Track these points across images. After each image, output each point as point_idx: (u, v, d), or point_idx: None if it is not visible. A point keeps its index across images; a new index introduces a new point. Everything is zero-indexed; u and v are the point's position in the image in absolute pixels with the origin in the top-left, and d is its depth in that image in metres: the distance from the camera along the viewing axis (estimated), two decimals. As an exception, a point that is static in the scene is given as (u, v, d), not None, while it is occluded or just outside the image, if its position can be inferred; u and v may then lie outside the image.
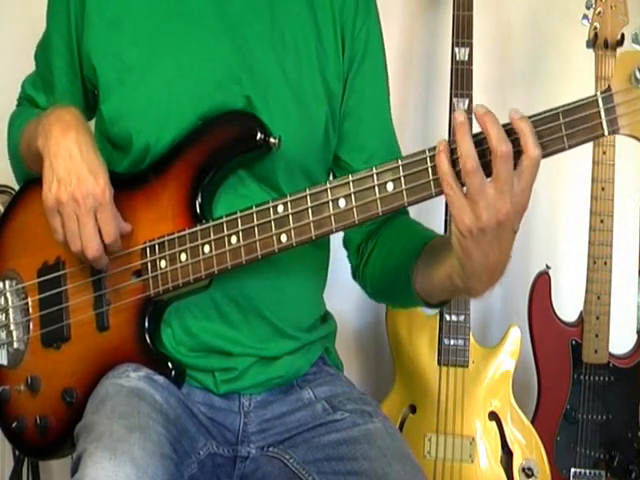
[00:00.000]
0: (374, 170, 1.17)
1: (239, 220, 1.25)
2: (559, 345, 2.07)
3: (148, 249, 1.31)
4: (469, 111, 1.92)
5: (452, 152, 1.11)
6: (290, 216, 1.22)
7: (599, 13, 1.99)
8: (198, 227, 1.28)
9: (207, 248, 1.27)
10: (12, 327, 1.42)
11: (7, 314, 1.42)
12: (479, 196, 1.07)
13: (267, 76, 1.36)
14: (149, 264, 1.31)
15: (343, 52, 1.41)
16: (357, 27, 1.41)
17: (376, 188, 1.16)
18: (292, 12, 1.39)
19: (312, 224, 1.21)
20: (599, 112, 1.06)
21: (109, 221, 1.27)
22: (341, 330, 1.56)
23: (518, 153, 1.07)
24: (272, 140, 1.29)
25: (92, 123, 1.45)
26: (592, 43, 2.01)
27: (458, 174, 1.10)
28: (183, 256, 1.28)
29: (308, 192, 1.21)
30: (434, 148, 1.12)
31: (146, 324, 1.32)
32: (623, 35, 1.99)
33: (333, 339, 1.52)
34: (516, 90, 2.26)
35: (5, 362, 1.42)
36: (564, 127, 1.07)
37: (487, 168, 1.08)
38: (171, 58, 1.35)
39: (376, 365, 2.33)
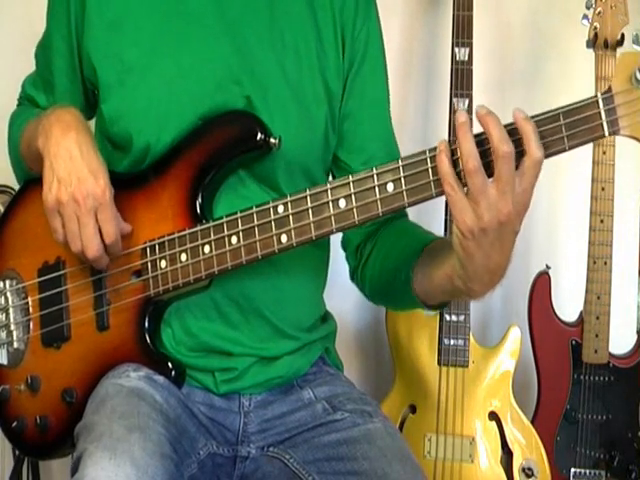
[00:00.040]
0: (374, 171, 1.17)
1: (239, 220, 1.25)
2: (559, 345, 2.07)
3: (148, 249, 1.31)
4: (469, 111, 1.92)
5: (453, 152, 1.11)
6: (290, 216, 1.22)
7: (599, 13, 1.99)
8: (198, 227, 1.28)
9: (207, 248, 1.27)
10: (12, 327, 1.42)
11: (7, 314, 1.43)
12: (481, 196, 1.07)
13: (267, 76, 1.36)
14: (149, 264, 1.31)
15: (343, 52, 1.41)
16: (357, 28, 1.41)
17: (376, 189, 1.16)
18: (292, 12, 1.39)
19: (312, 224, 1.21)
20: (600, 113, 1.06)
21: (109, 221, 1.27)
22: (341, 330, 1.56)
23: (520, 153, 1.07)
24: (272, 140, 1.29)
25: (92, 123, 1.45)
26: (592, 43, 2.01)
27: (459, 175, 1.10)
28: (183, 256, 1.29)
29: (308, 192, 1.21)
30: (434, 149, 1.12)
31: (146, 324, 1.32)
32: (623, 35, 1.99)
33: (333, 339, 1.52)
34: (516, 90, 2.26)
35: (5, 362, 1.42)
36: (564, 128, 1.07)
37: (488, 168, 1.08)
38: (171, 58, 1.35)
39: (376, 365, 2.33)
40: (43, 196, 1.28)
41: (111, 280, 1.34)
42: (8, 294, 1.43)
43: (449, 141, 1.11)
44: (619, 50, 1.99)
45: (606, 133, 1.06)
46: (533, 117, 1.08)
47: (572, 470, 2.06)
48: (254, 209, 1.25)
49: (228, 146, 1.32)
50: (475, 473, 2.01)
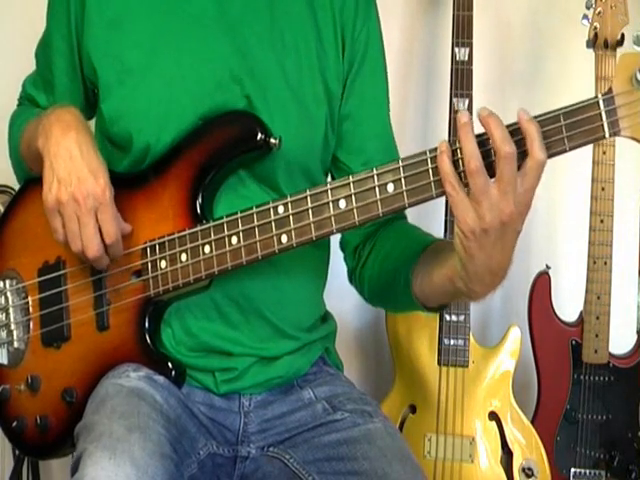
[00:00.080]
0: (374, 171, 1.16)
1: (239, 220, 1.25)
2: (559, 345, 2.07)
3: (148, 249, 1.31)
4: (469, 111, 1.92)
5: (453, 153, 1.11)
6: (290, 217, 1.22)
7: (599, 13, 1.99)
8: (198, 227, 1.28)
9: (207, 248, 1.27)
10: (12, 326, 1.42)
11: (7, 313, 1.43)
12: (482, 196, 1.07)
13: (267, 76, 1.36)
14: (149, 264, 1.31)
15: (343, 53, 1.41)
16: (357, 28, 1.41)
17: (376, 189, 1.16)
18: (292, 12, 1.39)
19: (312, 225, 1.21)
20: (600, 114, 1.06)
21: (109, 221, 1.27)
22: (341, 330, 1.56)
23: (522, 154, 1.07)
24: (272, 140, 1.29)
25: (92, 122, 1.45)
26: (592, 43, 2.01)
27: (460, 175, 1.10)
28: (183, 256, 1.28)
29: (308, 193, 1.21)
30: (435, 149, 1.12)
31: (146, 324, 1.32)
32: (623, 35, 1.99)
33: (333, 339, 1.52)
34: (516, 90, 2.26)
35: (5, 361, 1.42)
36: (565, 129, 1.07)
37: (490, 169, 1.08)
38: (171, 58, 1.35)
39: (376, 365, 2.33)
40: (43, 196, 1.28)
41: (111, 280, 1.34)
42: (8, 294, 1.43)
43: (449, 141, 1.11)
44: (619, 50, 1.99)
45: (607, 134, 1.06)
46: (533, 118, 1.08)
47: (572, 470, 2.06)
48: (254, 209, 1.25)
49: (228, 146, 1.32)
50: (475, 473, 2.01)
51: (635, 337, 2.11)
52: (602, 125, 1.06)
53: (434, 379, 2.03)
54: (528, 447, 2.01)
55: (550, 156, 1.08)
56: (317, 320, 1.47)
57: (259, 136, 1.29)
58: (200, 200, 1.31)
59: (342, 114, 1.42)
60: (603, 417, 2.06)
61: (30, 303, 1.41)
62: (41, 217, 1.31)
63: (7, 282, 1.43)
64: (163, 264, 1.30)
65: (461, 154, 1.09)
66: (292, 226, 1.22)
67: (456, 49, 2.02)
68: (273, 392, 1.40)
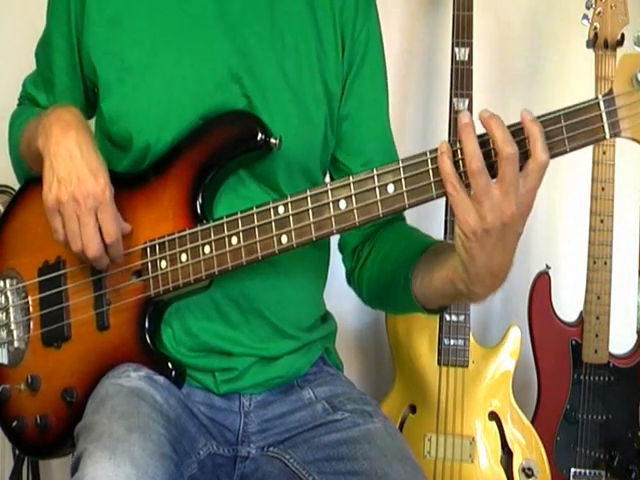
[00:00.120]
0: (375, 172, 1.16)
1: (240, 221, 1.25)
2: (559, 345, 2.07)
3: (148, 249, 1.31)
4: (469, 111, 1.92)
5: (454, 154, 1.11)
6: (291, 217, 1.22)
7: (599, 13, 1.99)
8: (199, 227, 1.28)
9: (207, 249, 1.27)
10: (12, 326, 1.42)
11: (7, 313, 1.43)
12: (484, 197, 1.07)
13: (267, 76, 1.35)
14: (149, 264, 1.31)
15: (343, 53, 1.41)
16: (357, 29, 1.41)
17: (377, 190, 1.16)
18: (292, 12, 1.39)
19: (312, 225, 1.21)
20: (601, 115, 1.06)
21: (110, 220, 1.26)
22: (341, 330, 1.56)
23: (524, 154, 1.07)
24: (273, 140, 1.29)
25: (92, 122, 1.45)
26: (592, 43, 2.01)
27: (461, 176, 1.10)
28: (184, 256, 1.28)
29: (309, 193, 1.21)
30: (435, 150, 1.12)
31: (146, 324, 1.32)
32: (623, 35, 1.99)
33: (333, 339, 1.52)
34: (516, 90, 2.26)
35: (5, 361, 1.42)
36: (565, 130, 1.07)
37: (491, 169, 1.08)
38: (171, 58, 1.35)
39: (376, 365, 2.33)
40: (43, 196, 1.28)
41: (111, 280, 1.34)
42: (8, 293, 1.43)
43: (449, 141, 1.11)
44: (619, 50, 1.99)
45: (607, 135, 1.06)
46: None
47: (572, 470, 2.06)
48: (254, 210, 1.24)
49: (229, 146, 1.32)
50: (475, 473, 2.01)
51: (635, 337, 2.11)
52: (603, 126, 1.06)
53: (434, 379, 2.03)
54: (528, 447, 2.01)
55: (551, 157, 1.08)
56: (317, 320, 1.47)
57: (259, 136, 1.29)
58: (200, 200, 1.31)
59: (341, 115, 1.42)
60: (603, 417, 2.06)
61: (30, 303, 1.41)
62: (41, 217, 1.31)
63: (7, 282, 1.43)
64: (163, 264, 1.30)
65: (462, 155, 1.09)
66: (292, 226, 1.22)
67: (456, 49, 2.02)
68: (273, 392, 1.40)
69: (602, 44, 1.99)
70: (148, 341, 1.32)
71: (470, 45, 2.01)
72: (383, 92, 1.47)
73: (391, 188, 1.15)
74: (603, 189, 2.02)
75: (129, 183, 1.35)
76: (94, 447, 1.13)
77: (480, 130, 1.08)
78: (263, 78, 1.35)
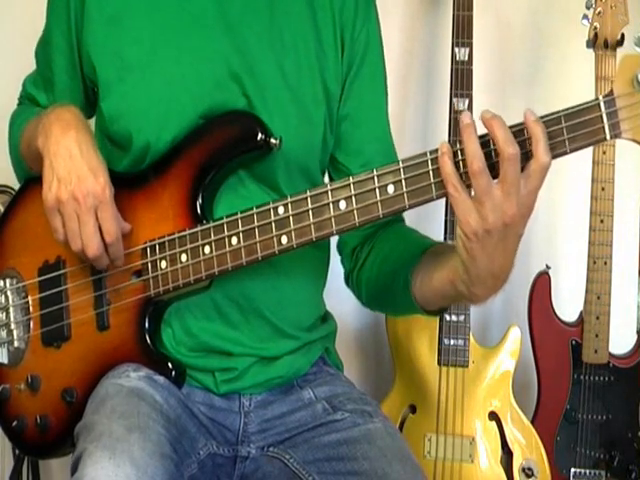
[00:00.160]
0: (375, 172, 1.16)
1: (239, 221, 1.25)
2: (559, 345, 2.07)
3: (148, 249, 1.31)
4: (469, 111, 1.92)
5: (455, 154, 1.10)
6: (291, 217, 1.22)
7: (599, 13, 1.99)
8: (199, 228, 1.28)
9: (207, 249, 1.27)
10: (12, 326, 1.42)
11: (7, 313, 1.43)
12: (485, 197, 1.07)
13: (266, 76, 1.35)
14: (149, 264, 1.31)
15: (342, 54, 1.41)
16: (357, 29, 1.41)
17: (377, 190, 1.16)
18: (292, 12, 1.39)
19: (312, 226, 1.21)
20: (601, 116, 1.06)
21: (110, 219, 1.26)
22: (341, 330, 1.55)
23: (526, 155, 1.07)
24: (273, 141, 1.29)
25: (92, 121, 1.45)
26: (592, 43, 2.01)
27: (462, 176, 1.10)
28: (184, 256, 1.28)
29: (309, 194, 1.21)
30: (435, 150, 1.12)
31: (146, 324, 1.32)
32: (623, 35, 1.99)
33: (333, 339, 1.52)
34: (516, 90, 2.26)
35: (5, 361, 1.42)
36: (566, 131, 1.07)
37: (493, 170, 1.08)
38: (171, 56, 1.35)
39: (376, 365, 2.33)
40: (43, 195, 1.28)
41: (111, 280, 1.34)
42: (8, 293, 1.43)
43: (449, 141, 1.11)
44: (619, 50, 1.99)
45: (607, 136, 1.06)
46: (535, 119, 1.08)
47: (572, 470, 2.06)
48: (254, 210, 1.24)
49: (228, 146, 1.32)
50: (475, 473, 2.01)
51: (635, 337, 2.11)
52: (603, 127, 1.06)
53: (434, 379, 2.03)
54: (528, 447, 2.01)
55: (552, 158, 1.08)
56: (317, 320, 1.47)
57: (259, 136, 1.29)
58: (200, 200, 1.30)
59: (341, 115, 1.42)
60: (603, 417, 2.06)
61: (30, 302, 1.41)
62: (41, 216, 1.31)
63: (7, 281, 1.43)
64: (163, 264, 1.30)
65: (463, 155, 1.09)
66: (292, 227, 1.22)
67: (456, 49, 2.02)
68: (273, 392, 1.40)
69: (602, 44, 1.99)
70: (148, 341, 1.32)
71: (470, 45, 2.01)
72: (382, 93, 1.47)
73: (391, 189, 1.15)
74: (603, 189, 2.02)
75: (129, 183, 1.35)
76: (94, 447, 1.13)
77: (481, 130, 1.08)
78: (262, 78, 1.35)
